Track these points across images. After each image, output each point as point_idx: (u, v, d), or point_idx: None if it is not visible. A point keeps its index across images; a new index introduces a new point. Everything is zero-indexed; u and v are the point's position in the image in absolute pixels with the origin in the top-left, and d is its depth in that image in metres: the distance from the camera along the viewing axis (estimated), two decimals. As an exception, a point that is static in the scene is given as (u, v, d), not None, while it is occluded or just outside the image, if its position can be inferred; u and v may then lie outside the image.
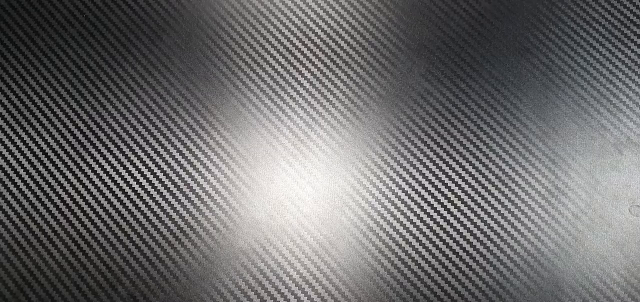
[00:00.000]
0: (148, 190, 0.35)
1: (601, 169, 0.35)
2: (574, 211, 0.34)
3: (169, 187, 0.35)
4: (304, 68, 0.37)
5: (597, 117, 0.35)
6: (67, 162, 0.36)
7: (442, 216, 0.34)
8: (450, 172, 0.35)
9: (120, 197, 0.35)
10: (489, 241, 0.33)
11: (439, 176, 0.35)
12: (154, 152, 0.36)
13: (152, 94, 0.37)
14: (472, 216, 0.34)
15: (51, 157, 0.36)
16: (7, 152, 0.36)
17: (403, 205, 0.35)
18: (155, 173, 0.36)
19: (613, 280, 0.33)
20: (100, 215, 0.35)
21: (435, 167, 0.35)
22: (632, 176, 0.35)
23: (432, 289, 0.34)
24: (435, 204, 0.33)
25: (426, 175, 0.34)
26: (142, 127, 0.36)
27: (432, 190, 0.34)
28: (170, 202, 0.35)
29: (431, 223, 0.34)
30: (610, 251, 0.34)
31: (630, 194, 0.34)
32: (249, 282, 0.34)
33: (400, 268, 0.34)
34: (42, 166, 0.36)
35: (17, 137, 0.36)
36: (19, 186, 0.36)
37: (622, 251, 0.34)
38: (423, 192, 0.35)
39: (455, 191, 0.34)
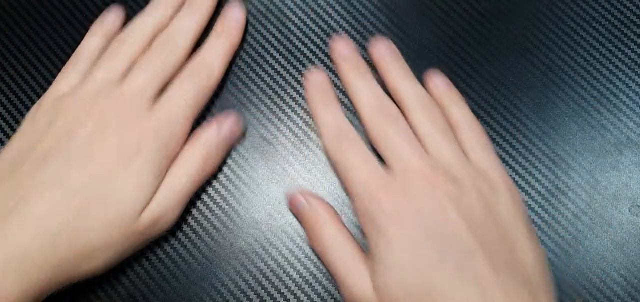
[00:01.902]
0: (148, 190, 0.35)
1: (601, 169, 0.35)
2: (574, 211, 0.34)
3: (169, 187, 0.35)
4: (304, 68, 0.37)
5: (597, 117, 0.35)
6: (67, 162, 0.36)
7: (442, 216, 0.33)
8: (450, 172, 0.35)
9: (120, 197, 0.35)
10: (489, 241, 0.33)
11: (439, 176, 0.35)
12: (154, 152, 0.36)
13: (152, 94, 0.37)
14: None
15: (51, 157, 0.36)
16: (7, 152, 0.36)
17: (403, 205, 0.35)
18: (155, 173, 0.36)
19: (613, 280, 0.33)
20: (100, 215, 0.35)
21: (435, 167, 0.35)
22: (632, 176, 0.35)
23: (432, 289, 0.34)
24: (435, 204, 0.33)
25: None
26: (142, 127, 0.36)
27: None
28: (170, 202, 0.35)
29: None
30: (610, 251, 0.34)
31: (630, 194, 0.34)
32: (249, 282, 0.34)
33: (400, 268, 0.34)
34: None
35: (17, 137, 0.36)
36: (18, 186, 0.36)
37: (622, 251, 0.34)
38: (423, 192, 0.35)
39: (455, 191, 0.34)
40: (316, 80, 0.35)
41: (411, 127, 0.32)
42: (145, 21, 0.35)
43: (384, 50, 0.35)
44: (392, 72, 0.34)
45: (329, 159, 0.34)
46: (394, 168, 0.31)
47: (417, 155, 0.31)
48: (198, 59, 0.34)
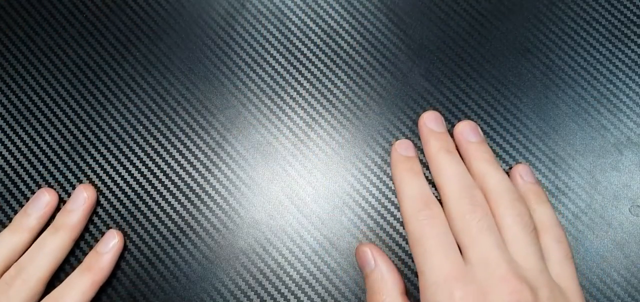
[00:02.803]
0: (148, 190, 0.35)
1: (601, 169, 0.35)
2: (574, 211, 0.34)
3: (169, 187, 0.35)
4: (304, 68, 0.37)
5: (597, 117, 0.35)
6: (67, 162, 0.36)
7: (442, 216, 0.33)
8: (450, 172, 0.35)
9: (120, 197, 0.35)
10: (489, 241, 0.33)
11: (439, 176, 0.35)
12: (154, 152, 0.36)
13: (152, 94, 0.37)
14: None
15: (51, 157, 0.36)
16: (7, 152, 0.36)
17: (403, 205, 0.35)
18: (155, 173, 0.36)
19: (613, 280, 0.33)
20: (100, 215, 0.35)
21: (435, 167, 0.35)
22: (632, 176, 0.35)
23: (432, 289, 0.33)
24: (435, 204, 0.33)
25: (426, 175, 0.34)
26: (142, 127, 0.36)
27: (432, 190, 0.34)
28: (170, 202, 0.35)
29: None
30: (610, 251, 0.34)
31: (630, 194, 0.34)
32: (249, 282, 0.34)
33: (401, 268, 0.34)
34: (41, 166, 0.36)
35: (17, 137, 0.36)
36: (18, 186, 0.36)
37: (622, 251, 0.34)
38: (423, 192, 0.35)
39: (455, 191, 0.34)
40: (404, 151, 0.34)
41: (494, 217, 0.30)
42: None
43: (470, 131, 0.34)
44: (477, 155, 0.33)
45: (406, 228, 0.31)
46: (472, 259, 0.29)
47: (500, 253, 0.29)
48: (52, 297, 0.32)
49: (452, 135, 0.34)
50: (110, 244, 0.34)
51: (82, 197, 0.34)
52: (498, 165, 0.33)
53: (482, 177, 0.32)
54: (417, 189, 0.32)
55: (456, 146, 0.34)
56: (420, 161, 0.34)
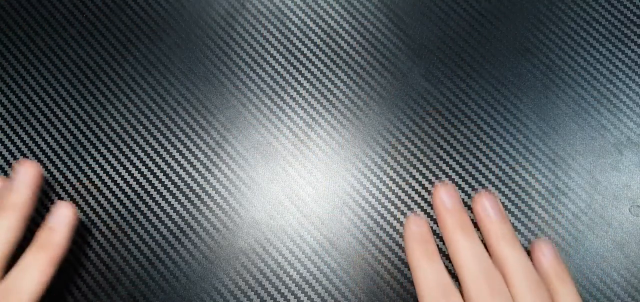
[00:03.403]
0: (148, 190, 0.35)
1: (601, 169, 0.35)
2: (574, 211, 0.34)
3: (169, 187, 0.35)
4: (304, 68, 0.37)
5: (597, 117, 0.35)
6: (66, 162, 0.36)
7: (442, 216, 0.33)
8: (450, 172, 0.35)
9: (120, 197, 0.35)
10: (489, 241, 0.33)
11: (439, 176, 0.35)
12: (154, 152, 0.36)
13: (152, 94, 0.37)
14: (471, 216, 0.34)
15: (51, 157, 0.36)
16: (7, 152, 0.36)
17: (403, 205, 0.35)
18: (155, 173, 0.36)
19: (613, 280, 0.33)
20: (100, 215, 0.35)
21: (435, 167, 0.35)
22: (632, 176, 0.35)
23: (432, 289, 0.33)
24: (435, 204, 0.33)
25: (426, 175, 0.34)
26: (142, 127, 0.36)
27: (433, 190, 0.34)
28: (170, 202, 0.35)
29: (431, 223, 0.34)
30: (610, 251, 0.34)
31: (630, 194, 0.34)
32: (249, 282, 0.34)
33: (400, 268, 0.34)
34: (41, 166, 0.36)
35: (16, 137, 0.36)
36: (18, 186, 0.36)
37: (622, 251, 0.34)
38: (423, 192, 0.35)
39: (455, 191, 0.34)
40: (417, 229, 0.33)
41: (512, 298, 0.30)
42: None
43: (489, 207, 0.32)
44: (497, 233, 0.32)
45: None
46: None
47: None
48: (8, 280, 0.30)
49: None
50: (62, 216, 0.32)
51: (27, 175, 0.32)
52: (518, 244, 0.32)
53: (502, 259, 0.31)
54: (435, 276, 0.31)
55: (473, 210, 0.33)
56: (433, 231, 0.34)
